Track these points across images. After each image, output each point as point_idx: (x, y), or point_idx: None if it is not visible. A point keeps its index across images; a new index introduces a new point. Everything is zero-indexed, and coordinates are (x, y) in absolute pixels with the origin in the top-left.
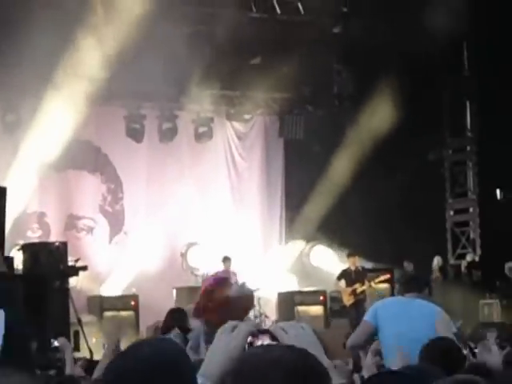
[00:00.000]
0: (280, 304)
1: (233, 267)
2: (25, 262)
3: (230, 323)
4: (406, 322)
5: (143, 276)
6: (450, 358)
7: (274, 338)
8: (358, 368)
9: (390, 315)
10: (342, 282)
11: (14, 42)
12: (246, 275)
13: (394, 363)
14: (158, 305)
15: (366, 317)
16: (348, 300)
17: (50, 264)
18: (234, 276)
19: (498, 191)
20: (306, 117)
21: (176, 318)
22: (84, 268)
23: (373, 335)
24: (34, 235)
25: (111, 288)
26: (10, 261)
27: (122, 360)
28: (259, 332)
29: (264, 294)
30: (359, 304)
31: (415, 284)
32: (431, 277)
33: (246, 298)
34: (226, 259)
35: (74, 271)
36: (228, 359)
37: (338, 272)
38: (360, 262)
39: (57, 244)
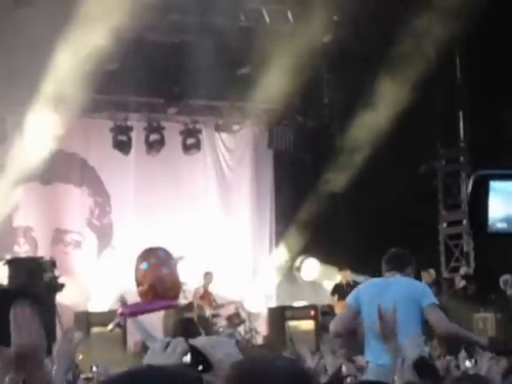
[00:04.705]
0: (270, 319)
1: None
2: (10, 277)
3: (161, 341)
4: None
5: (131, 291)
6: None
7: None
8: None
9: (367, 298)
10: (336, 297)
11: None
12: (236, 288)
13: (373, 344)
14: (146, 320)
15: (348, 299)
16: None
17: (37, 279)
18: None
19: None
20: (295, 128)
21: (187, 329)
22: (62, 285)
23: (356, 318)
24: (20, 250)
25: (99, 303)
26: None
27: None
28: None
29: (254, 309)
30: None
31: (396, 262)
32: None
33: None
34: (208, 274)
35: (59, 287)
36: None
37: (329, 286)
38: (352, 276)
39: (43, 258)
